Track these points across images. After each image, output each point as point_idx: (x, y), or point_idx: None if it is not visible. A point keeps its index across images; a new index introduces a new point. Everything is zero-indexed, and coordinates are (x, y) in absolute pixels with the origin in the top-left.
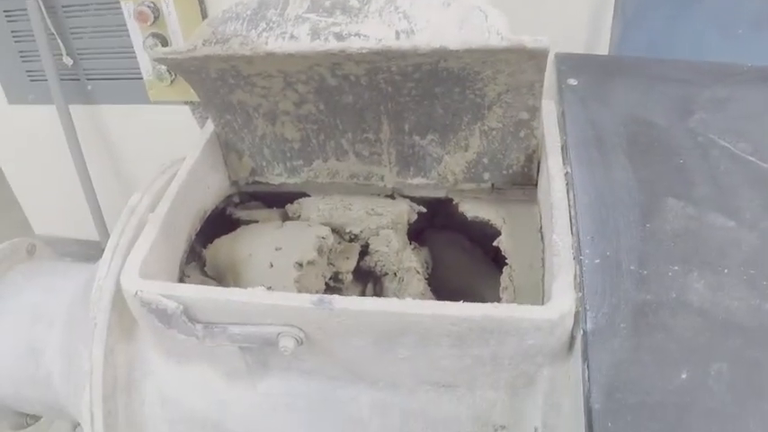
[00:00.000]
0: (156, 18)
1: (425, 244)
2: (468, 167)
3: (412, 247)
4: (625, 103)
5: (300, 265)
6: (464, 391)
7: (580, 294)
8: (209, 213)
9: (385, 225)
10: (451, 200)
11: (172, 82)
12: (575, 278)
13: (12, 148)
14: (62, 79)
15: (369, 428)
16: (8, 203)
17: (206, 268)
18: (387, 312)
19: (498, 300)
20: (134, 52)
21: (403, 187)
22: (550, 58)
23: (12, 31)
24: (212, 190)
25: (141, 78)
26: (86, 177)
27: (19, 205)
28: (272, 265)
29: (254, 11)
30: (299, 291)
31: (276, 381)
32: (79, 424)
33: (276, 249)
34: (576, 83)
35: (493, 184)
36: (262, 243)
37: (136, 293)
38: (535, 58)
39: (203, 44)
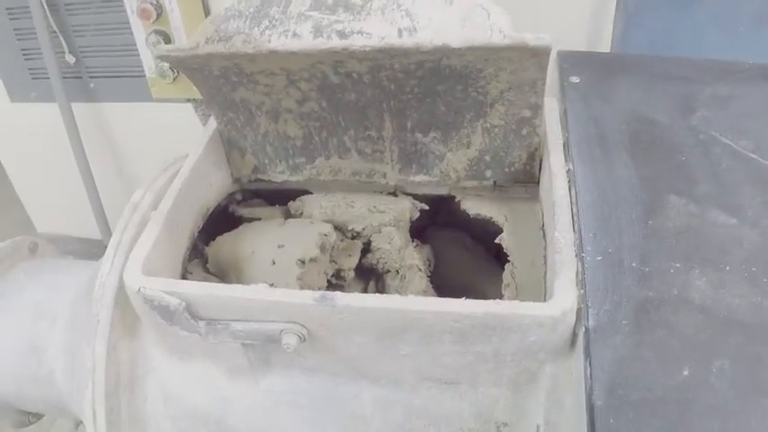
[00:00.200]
0: (158, 15)
1: (427, 241)
2: (470, 165)
3: (414, 244)
4: (627, 101)
5: (303, 262)
6: (466, 388)
7: (582, 291)
8: (211, 211)
9: (387, 222)
10: (454, 197)
11: (174, 79)
12: (577, 275)
13: (14, 146)
14: (64, 77)
15: (371, 425)
16: (10, 202)
17: (208, 265)
18: (389, 309)
19: (500, 297)
20: (136, 50)
21: (405, 185)
22: (553, 56)
23: (14, 29)
24: (215, 187)
25: (143, 76)
26: (88, 175)
27: (21, 203)
28: (274, 263)
29: (256, 8)
30: (302, 288)
31: (278, 378)
32: (81, 422)
33: (279, 247)
34: (578, 80)
35: (495, 182)
36: (264, 240)
37: (139, 290)
38: (537, 55)
39: (206, 42)
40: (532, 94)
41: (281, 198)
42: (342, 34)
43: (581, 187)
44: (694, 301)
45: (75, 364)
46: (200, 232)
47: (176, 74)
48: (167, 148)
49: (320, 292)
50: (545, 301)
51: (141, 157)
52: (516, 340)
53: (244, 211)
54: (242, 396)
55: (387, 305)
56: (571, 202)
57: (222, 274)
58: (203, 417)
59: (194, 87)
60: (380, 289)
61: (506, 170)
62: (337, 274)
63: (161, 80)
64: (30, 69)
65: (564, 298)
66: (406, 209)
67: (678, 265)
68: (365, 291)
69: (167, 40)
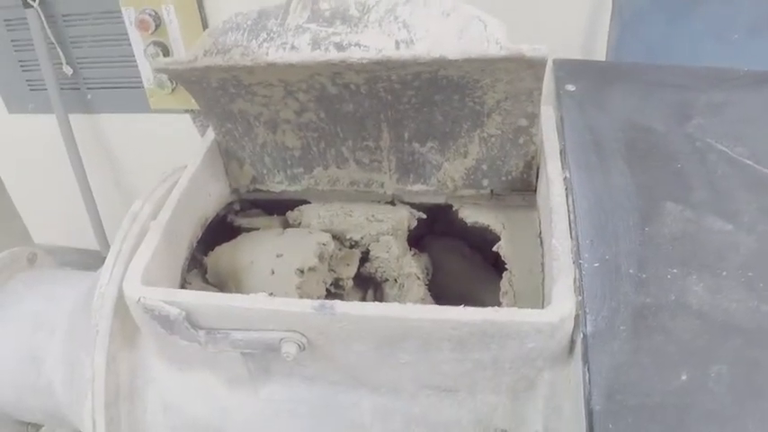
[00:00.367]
0: (157, 26)
1: (425, 250)
2: (467, 174)
3: (412, 253)
4: (623, 109)
5: (302, 271)
6: (465, 396)
7: (580, 298)
8: (210, 221)
9: (385, 231)
10: (451, 206)
11: (173, 90)
12: (574, 282)
13: (11, 157)
14: (62, 88)
15: None
16: (8, 212)
17: (207, 275)
18: (388, 317)
19: (498, 305)
20: (134, 61)
21: (403, 194)
22: (548, 65)
23: (12, 41)
24: (213, 197)
25: (141, 87)
26: (86, 186)
27: (18, 214)
28: (273, 272)
29: (254, 21)
30: (301, 297)
31: (278, 387)
32: None
33: (277, 256)
34: (573, 89)
35: (492, 191)
36: (263, 250)
37: (139, 300)
38: (533, 66)
39: (204, 55)
40: (529, 103)
41: (279, 208)
42: (339, 46)
43: (578, 194)
44: (692, 306)
45: (74, 374)
46: (198, 242)
47: (174, 85)
48: (164, 159)
49: (319, 301)
50: (543, 308)
51: (138, 168)
52: (515, 347)
53: (242, 221)
54: (242, 405)
55: (386, 313)
56: (568, 210)
57: (221, 284)
58: (203, 427)
59: (192, 98)
60: (379, 298)
61: (503, 179)
62: (336, 284)
63: (159, 91)
64: (27, 81)
65: (562, 305)
66: (404, 218)
67: (675, 270)
68: (364, 299)
69: (166, 51)
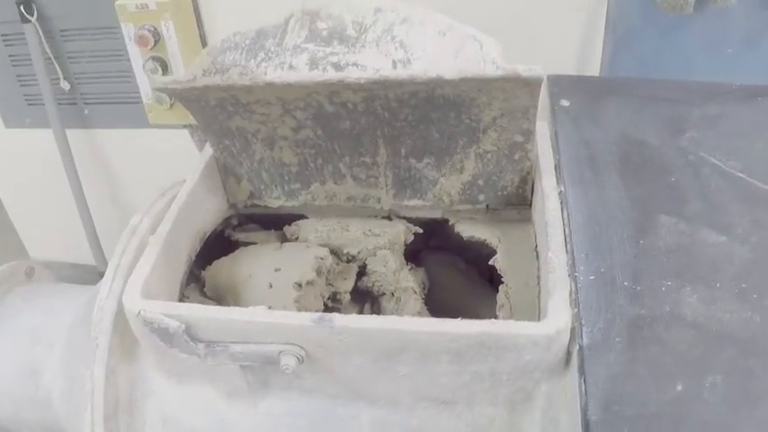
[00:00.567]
0: (156, 42)
1: (421, 265)
2: (463, 189)
3: (409, 267)
4: (617, 123)
5: (299, 285)
6: (463, 408)
7: (576, 310)
8: (207, 235)
9: (382, 246)
10: (447, 220)
11: (171, 105)
12: (570, 294)
13: (8, 171)
14: (59, 103)
15: None
16: (3, 227)
17: (205, 289)
18: (386, 330)
19: (494, 318)
20: (131, 76)
21: (399, 209)
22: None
23: (9, 56)
24: (211, 212)
25: (139, 103)
26: (83, 201)
27: (14, 229)
28: (271, 286)
29: (252, 40)
30: (299, 310)
31: (277, 400)
32: None
33: (275, 270)
34: (568, 104)
35: (488, 205)
36: (261, 264)
37: (139, 313)
38: (529, 85)
39: (203, 74)
40: (524, 120)
41: (276, 223)
42: (337, 66)
43: (573, 208)
44: (686, 317)
45: (73, 387)
46: (196, 257)
47: (173, 100)
48: (161, 174)
49: (318, 314)
50: (539, 320)
51: (135, 183)
52: (512, 359)
53: (239, 236)
54: (240, 419)
55: (384, 326)
56: (563, 223)
57: (219, 298)
58: None
59: (190, 115)
60: (376, 311)
61: (499, 194)
62: (333, 297)
63: (158, 106)
64: (25, 95)
65: (558, 317)
66: (401, 232)
67: (670, 282)
68: (361, 313)
69: (164, 66)
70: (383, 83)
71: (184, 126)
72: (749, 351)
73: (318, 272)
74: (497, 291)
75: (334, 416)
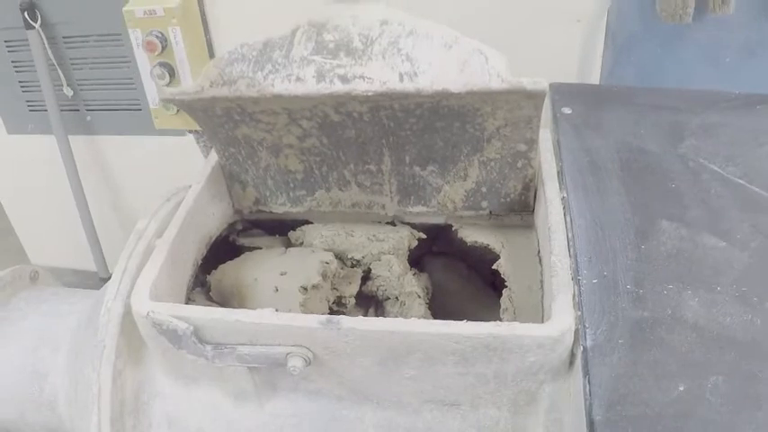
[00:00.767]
0: (163, 48)
1: (425, 270)
2: (466, 196)
3: (412, 272)
4: (618, 131)
5: (305, 289)
6: (468, 410)
7: (579, 313)
8: (213, 239)
9: (386, 251)
10: (451, 226)
11: (178, 111)
12: (573, 297)
13: (10, 177)
14: (62, 110)
15: None
16: (4, 232)
17: (211, 293)
18: (393, 332)
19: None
20: (134, 83)
21: (403, 215)
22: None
23: (12, 62)
24: (217, 217)
25: (140, 109)
26: (84, 207)
27: (15, 234)
28: (277, 290)
29: (259, 52)
30: (305, 314)
31: (283, 401)
32: None
33: (281, 274)
34: (570, 112)
35: (491, 211)
36: (267, 268)
37: (148, 314)
38: (534, 98)
39: (210, 85)
40: (528, 129)
41: (281, 228)
42: (344, 79)
43: (575, 214)
44: (688, 320)
45: (78, 390)
46: (201, 261)
47: None
48: (162, 181)
49: (326, 316)
50: (543, 322)
51: (137, 190)
52: (516, 361)
53: (245, 241)
54: (247, 420)
55: (390, 328)
56: (566, 229)
57: (225, 301)
58: None
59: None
60: (380, 315)
61: (502, 200)
62: (338, 302)
63: (165, 111)
64: (27, 101)
65: (562, 319)
66: (405, 237)
67: (671, 286)
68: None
69: (171, 72)
70: (390, 95)
71: (190, 131)
72: (750, 353)
73: (324, 276)
74: (500, 296)
75: (340, 417)
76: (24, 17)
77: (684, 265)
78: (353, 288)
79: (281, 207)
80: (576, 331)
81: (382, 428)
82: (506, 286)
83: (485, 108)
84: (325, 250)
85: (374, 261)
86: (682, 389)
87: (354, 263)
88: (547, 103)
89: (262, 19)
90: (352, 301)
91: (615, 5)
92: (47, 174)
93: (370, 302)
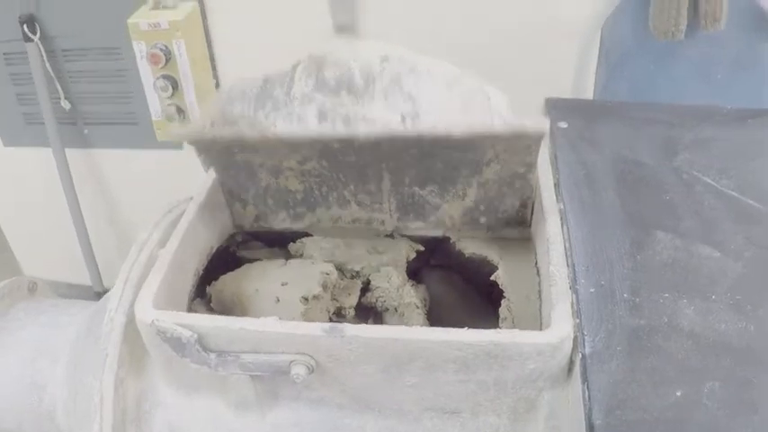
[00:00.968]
0: (167, 60)
1: (422, 282)
2: (465, 213)
3: (411, 284)
4: (613, 144)
5: (306, 299)
6: (468, 417)
7: (577, 321)
8: (214, 250)
9: (385, 263)
10: (449, 238)
11: (180, 122)
12: (572, 306)
13: (6, 190)
14: (59, 122)
15: None
16: None
17: (212, 304)
18: (396, 339)
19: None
20: (132, 97)
21: (402, 229)
22: (541, 103)
23: (10, 74)
24: (218, 228)
25: (137, 123)
26: (80, 221)
27: (10, 248)
28: (278, 300)
29: (260, 88)
30: None
31: (285, 411)
32: None
33: (282, 285)
34: (566, 126)
35: (489, 226)
36: (268, 279)
37: (152, 322)
38: (535, 137)
39: (212, 125)
40: (527, 155)
41: (281, 240)
42: (346, 119)
43: (572, 225)
44: (684, 328)
45: (77, 400)
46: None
47: (182, 118)
48: (158, 195)
49: (329, 324)
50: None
51: (133, 204)
52: (516, 368)
53: (245, 252)
54: (248, 430)
55: (393, 335)
56: (564, 239)
57: (226, 312)
58: None
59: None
60: None
61: (500, 216)
62: (338, 312)
63: (167, 124)
64: (24, 114)
65: (561, 327)
66: (404, 249)
67: (667, 295)
68: None
69: (174, 85)
70: (391, 138)
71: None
72: (745, 359)
73: (324, 287)
74: (497, 308)
75: (342, 426)
76: (23, 30)
77: (680, 275)
78: (353, 299)
79: (281, 223)
80: (575, 339)
81: None
82: (505, 296)
83: (485, 141)
84: (325, 262)
85: (373, 272)
86: (679, 394)
87: (354, 274)
88: (543, 117)
89: (263, 34)
90: (352, 311)
91: (609, 22)
92: (43, 187)
93: (369, 313)
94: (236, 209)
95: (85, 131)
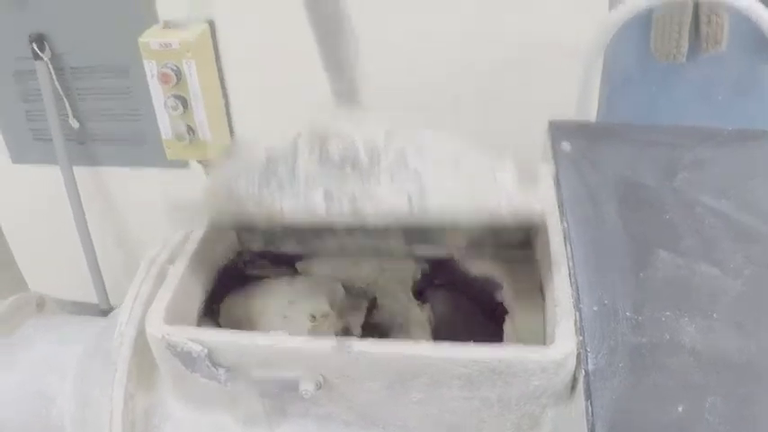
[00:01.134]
0: (178, 80)
1: (426, 302)
2: (470, 238)
3: (416, 303)
4: (615, 166)
5: (314, 317)
6: None
7: (581, 338)
8: (222, 268)
9: (392, 281)
10: (453, 258)
11: (190, 141)
12: (575, 324)
13: (13, 207)
14: (67, 140)
15: None
16: (5, 263)
17: (220, 321)
18: (402, 354)
19: None
20: (140, 115)
21: (408, 250)
22: (545, 126)
23: (19, 92)
24: (226, 246)
25: (145, 143)
26: (87, 239)
27: (15, 264)
28: (285, 317)
29: (263, 165)
30: None
31: (293, 426)
32: None
33: (289, 302)
34: (569, 147)
35: (493, 249)
36: (275, 297)
37: (163, 337)
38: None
39: (216, 201)
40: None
41: (287, 258)
42: (352, 200)
43: (575, 244)
44: (685, 345)
45: (86, 413)
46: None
47: (192, 136)
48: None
49: (337, 339)
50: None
51: (140, 222)
52: (520, 384)
53: (253, 271)
54: None
55: (400, 351)
56: (567, 258)
57: (234, 329)
58: None
59: (207, 149)
60: None
61: (504, 239)
62: (345, 331)
63: (177, 143)
64: (32, 131)
65: (564, 343)
66: (410, 269)
67: (669, 313)
68: None
69: (185, 104)
70: (398, 220)
71: (199, 161)
72: (746, 376)
73: (332, 305)
74: (501, 328)
75: None
76: (33, 48)
77: (681, 293)
78: (359, 317)
79: (289, 248)
80: (578, 356)
81: None
82: (509, 314)
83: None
84: (332, 280)
85: (380, 291)
86: (681, 410)
87: (360, 293)
88: (547, 139)
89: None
90: (359, 330)
91: (611, 45)
92: (50, 204)
93: (374, 332)
94: (244, 237)
95: (93, 149)
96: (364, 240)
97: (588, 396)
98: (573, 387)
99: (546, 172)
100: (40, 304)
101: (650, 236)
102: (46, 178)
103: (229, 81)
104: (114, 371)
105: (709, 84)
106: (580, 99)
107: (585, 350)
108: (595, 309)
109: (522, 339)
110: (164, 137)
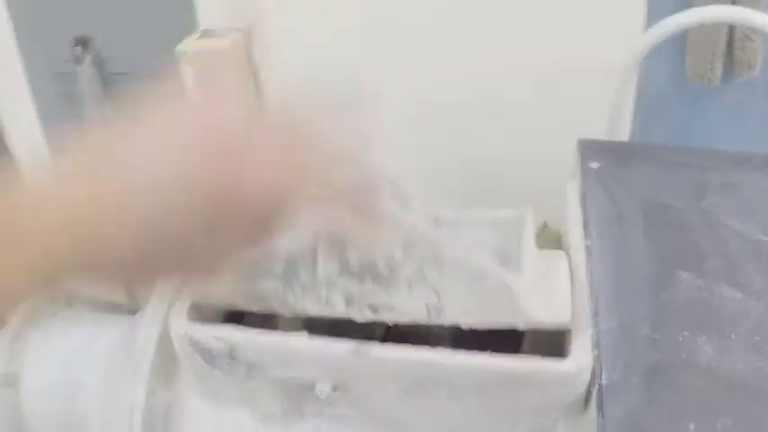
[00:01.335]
0: None
1: None
2: None
3: None
4: (642, 186)
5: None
6: None
7: (596, 353)
8: None
9: None
10: None
11: None
12: (592, 338)
13: None
14: None
15: None
16: None
17: (244, 319)
18: (417, 361)
19: None
20: None
21: None
22: (574, 144)
23: (60, 94)
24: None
25: None
26: None
27: None
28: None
29: (284, 267)
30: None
31: (308, 426)
32: None
33: None
34: (597, 166)
35: None
36: None
37: (186, 332)
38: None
39: (241, 299)
40: None
41: None
42: (373, 308)
43: (597, 261)
44: (701, 365)
45: (109, 407)
46: None
47: None
48: None
49: (355, 342)
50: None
51: None
52: (535, 395)
53: None
54: None
55: (416, 357)
56: (588, 275)
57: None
58: None
59: None
60: None
61: None
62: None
63: None
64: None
65: (580, 357)
66: None
67: (686, 333)
68: None
69: None
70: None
71: None
72: (758, 398)
73: None
74: (519, 340)
75: None
76: (75, 52)
77: (701, 314)
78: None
79: None
80: (593, 370)
81: None
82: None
83: None
84: None
85: None
86: (692, 427)
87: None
88: (575, 156)
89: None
90: (381, 333)
91: (645, 64)
92: None
93: (394, 337)
94: None
95: None
96: None
97: (600, 410)
98: (586, 401)
99: (573, 189)
100: (70, 300)
101: (673, 256)
102: None
103: (265, 89)
104: (138, 367)
105: (742, 108)
106: (612, 119)
107: (600, 365)
108: (613, 325)
109: (538, 351)
110: None
